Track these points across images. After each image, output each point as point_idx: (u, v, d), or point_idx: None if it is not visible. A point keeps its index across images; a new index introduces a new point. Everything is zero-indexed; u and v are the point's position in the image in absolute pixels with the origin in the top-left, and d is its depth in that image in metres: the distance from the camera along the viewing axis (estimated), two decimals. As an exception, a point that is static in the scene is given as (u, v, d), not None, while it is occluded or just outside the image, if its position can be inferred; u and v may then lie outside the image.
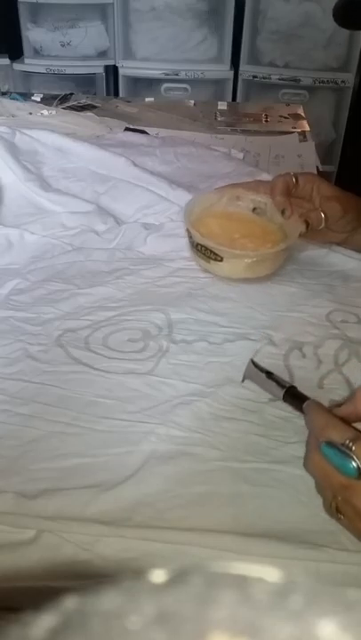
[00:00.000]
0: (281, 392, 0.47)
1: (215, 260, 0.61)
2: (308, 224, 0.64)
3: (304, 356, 0.55)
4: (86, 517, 0.40)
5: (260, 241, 0.63)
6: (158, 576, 0.13)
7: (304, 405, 0.44)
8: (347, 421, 0.40)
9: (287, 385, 0.47)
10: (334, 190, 0.66)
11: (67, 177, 0.86)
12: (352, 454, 0.36)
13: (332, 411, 0.42)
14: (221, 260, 0.61)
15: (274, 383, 0.48)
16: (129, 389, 0.51)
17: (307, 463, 0.40)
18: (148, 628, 0.12)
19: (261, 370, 0.49)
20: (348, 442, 0.37)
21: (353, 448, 0.36)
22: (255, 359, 0.51)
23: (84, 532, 0.39)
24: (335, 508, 0.39)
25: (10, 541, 0.39)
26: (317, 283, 0.67)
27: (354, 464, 0.36)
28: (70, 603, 0.13)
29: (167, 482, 0.43)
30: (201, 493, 0.42)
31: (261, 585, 0.13)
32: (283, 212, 0.65)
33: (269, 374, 0.49)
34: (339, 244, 0.70)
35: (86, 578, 0.38)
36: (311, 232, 0.65)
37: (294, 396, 0.46)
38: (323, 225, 0.64)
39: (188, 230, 0.64)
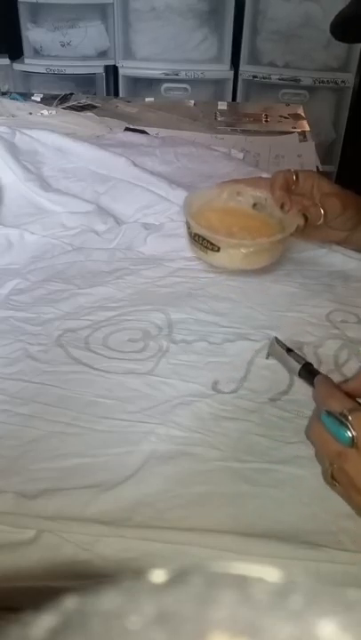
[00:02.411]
0: (298, 367, 0.50)
1: (212, 249, 0.61)
2: (306, 218, 0.64)
3: (304, 356, 0.55)
4: (86, 517, 0.40)
5: (257, 233, 0.63)
6: (158, 576, 0.13)
7: (315, 380, 0.47)
8: (351, 396, 0.43)
9: (303, 361, 0.50)
10: (334, 187, 0.66)
11: (67, 177, 0.86)
12: (348, 423, 0.39)
13: (339, 385, 0.45)
14: (218, 250, 0.60)
15: (291, 359, 0.51)
16: (129, 389, 0.51)
17: (308, 431, 0.43)
18: (148, 628, 0.12)
19: (282, 346, 0.53)
20: (345, 412, 0.39)
21: (349, 418, 0.39)
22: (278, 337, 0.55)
23: (84, 532, 0.39)
24: (331, 476, 0.41)
25: (10, 541, 0.39)
26: (317, 283, 0.67)
27: (349, 433, 0.39)
28: (70, 603, 0.13)
29: (167, 482, 0.43)
30: (201, 493, 0.42)
31: (261, 585, 0.13)
32: (282, 207, 0.65)
33: (289, 350, 0.52)
34: (338, 243, 0.70)
35: (86, 578, 0.38)
36: (310, 229, 0.65)
37: (309, 372, 0.49)
38: (321, 220, 0.64)
39: (187, 222, 0.64)
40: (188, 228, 0.63)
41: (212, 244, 0.60)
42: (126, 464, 0.44)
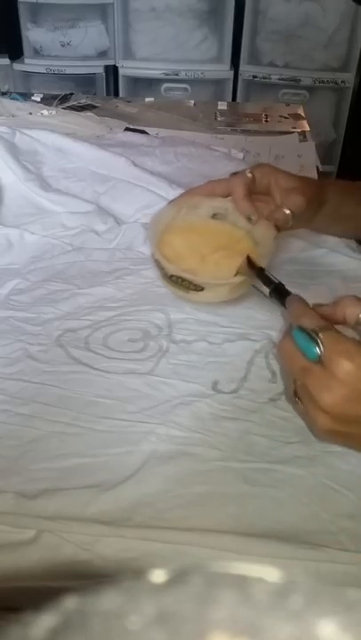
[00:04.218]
0: (268, 289, 0.49)
1: (195, 289, 0.56)
2: (278, 228, 0.61)
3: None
4: (86, 517, 0.40)
5: (232, 253, 0.58)
6: (158, 576, 0.13)
7: (287, 299, 0.46)
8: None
9: (276, 281, 0.49)
10: (292, 180, 0.63)
11: (67, 177, 0.86)
12: (318, 340, 0.39)
13: (312, 307, 0.44)
14: (202, 290, 0.56)
15: (262, 280, 0.50)
16: (129, 389, 0.51)
17: (278, 348, 0.43)
18: (148, 628, 0.12)
19: (254, 267, 0.51)
20: (317, 329, 0.40)
21: (320, 335, 0.39)
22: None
23: (84, 532, 0.39)
24: (294, 393, 0.42)
25: (10, 541, 0.39)
26: (317, 283, 0.67)
27: (317, 349, 0.39)
28: (70, 603, 0.13)
29: (167, 482, 0.43)
30: (201, 493, 0.42)
31: (261, 585, 0.13)
32: (249, 219, 0.61)
33: (261, 271, 0.51)
34: (301, 227, 0.68)
35: (86, 578, 0.38)
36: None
37: (281, 293, 0.48)
38: (291, 222, 0.61)
39: (156, 260, 0.58)
40: (162, 268, 0.57)
41: (194, 284, 0.56)
42: (126, 464, 0.44)
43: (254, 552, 0.38)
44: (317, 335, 0.40)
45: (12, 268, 0.68)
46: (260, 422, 0.48)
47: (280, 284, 0.49)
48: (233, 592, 0.13)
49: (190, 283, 0.55)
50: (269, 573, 0.13)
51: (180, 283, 0.56)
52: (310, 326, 0.40)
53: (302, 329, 0.41)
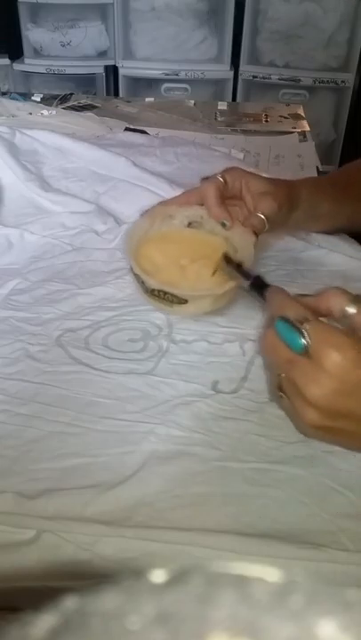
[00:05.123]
0: (247, 283, 0.47)
1: (179, 303, 0.54)
2: (256, 234, 0.59)
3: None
4: (86, 517, 0.40)
5: (212, 261, 0.57)
6: (158, 576, 0.13)
7: (267, 291, 0.45)
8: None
9: (254, 274, 0.48)
10: (262, 183, 0.62)
11: (67, 177, 0.86)
12: (303, 331, 0.38)
13: (294, 298, 0.43)
14: (186, 302, 0.54)
15: (241, 274, 0.49)
16: (129, 389, 0.51)
17: (260, 341, 0.42)
18: (148, 628, 0.12)
19: (232, 262, 0.50)
20: (302, 319, 0.38)
21: (306, 326, 0.38)
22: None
23: (84, 532, 0.39)
24: (278, 387, 0.40)
25: (10, 541, 0.39)
26: (317, 283, 0.67)
27: (303, 341, 0.38)
28: (70, 603, 0.13)
29: (167, 482, 0.43)
30: (201, 493, 0.42)
31: (261, 585, 0.13)
32: (223, 225, 0.60)
33: (239, 266, 0.50)
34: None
35: (86, 578, 0.38)
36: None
37: (260, 286, 0.46)
38: (267, 227, 0.60)
39: (136, 275, 0.56)
40: (142, 283, 0.55)
41: (177, 297, 0.54)
42: (126, 464, 0.44)
43: (254, 552, 0.38)
44: (303, 326, 0.38)
45: (12, 268, 0.68)
46: (260, 422, 0.48)
47: (259, 276, 0.47)
48: (233, 592, 0.13)
49: (174, 296, 0.53)
50: (269, 573, 0.13)
51: (162, 297, 0.54)
52: (294, 317, 0.39)
53: (286, 319, 0.39)
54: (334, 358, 0.37)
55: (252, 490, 0.43)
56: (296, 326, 0.38)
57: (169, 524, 0.40)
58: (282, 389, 0.40)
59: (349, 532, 0.39)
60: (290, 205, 0.62)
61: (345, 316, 0.41)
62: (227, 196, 0.61)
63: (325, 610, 0.12)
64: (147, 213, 0.63)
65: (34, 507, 0.41)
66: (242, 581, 0.13)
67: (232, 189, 0.62)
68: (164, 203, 0.64)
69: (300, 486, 0.43)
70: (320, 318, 0.40)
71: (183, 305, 0.54)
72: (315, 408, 0.38)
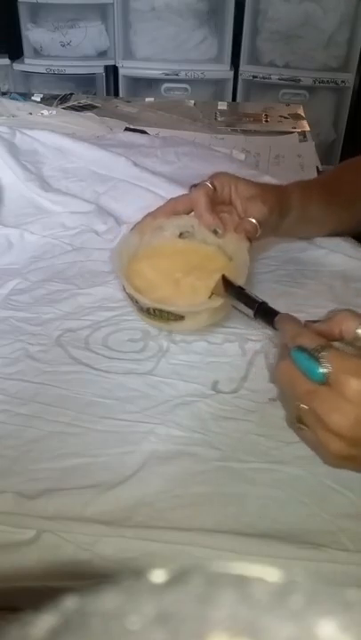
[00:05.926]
0: (252, 311, 0.46)
1: (175, 320, 0.53)
2: (250, 240, 0.59)
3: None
4: (86, 517, 0.40)
5: (206, 272, 0.55)
6: (158, 576, 0.13)
7: (276, 319, 0.43)
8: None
9: (259, 301, 0.46)
10: (252, 188, 0.60)
11: (67, 177, 0.86)
12: (321, 359, 0.37)
13: (305, 325, 0.42)
14: (183, 319, 0.53)
15: (244, 301, 0.47)
16: (129, 389, 0.51)
17: (275, 372, 0.40)
18: (148, 628, 0.12)
19: (233, 287, 0.48)
20: (319, 347, 0.37)
21: (324, 354, 0.37)
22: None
23: (84, 532, 0.39)
24: (297, 418, 0.39)
25: (10, 541, 0.39)
26: (317, 283, 0.67)
27: (322, 369, 0.37)
28: (70, 603, 0.13)
29: (167, 482, 0.43)
30: (201, 493, 0.42)
31: (261, 585, 0.13)
32: (215, 232, 0.59)
33: (241, 290, 0.47)
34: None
35: (86, 578, 0.38)
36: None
37: (266, 313, 0.45)
38: (260, 232, 0.59)
39: (129, 294, 0.54)
40: (136, 302, 0.54)
41: (174, 314, 0.53)
42: (126, 464, 0.44)
43: (254, 552, 0.38)
44: (320, 355, 0.37)
45: (12, 268, 0.68)
46: (260, 422, 0.48)
47: (264, 302, 0.46)
48: (233, 592, 0.13)
49: (170, 313, 0.52)
50: (269, 573, 0.13)
51: (158, 315, 0.53)
52: (310, 345, 0.38)
53: (302, 349, 0.38)
54: (354, 385, 0.36)
55: (252, 490, 0.43)
56: (314, 356, 0.37)
57: (169, 524, 0.40)
58: (301, 421, 0.39)
59: (349, 532, 0.39)
60: (281, 210, 0.61)
61: (357, 338, 0.41)
62: (216, 203, 0.60)
63: (325, 610, 0.12)
64: (135, 227, 0.61)
65: (34, 507, 0.41)
66: (242, 581, 0.13)
67: (221, 195, 0.60)
68: (151, 214, 0.62)
69: (301, 486, 0.43)
70: (333, 343, 0.39)
71: (180, 321, 0.53)
72: (339, 437, 0.37)
